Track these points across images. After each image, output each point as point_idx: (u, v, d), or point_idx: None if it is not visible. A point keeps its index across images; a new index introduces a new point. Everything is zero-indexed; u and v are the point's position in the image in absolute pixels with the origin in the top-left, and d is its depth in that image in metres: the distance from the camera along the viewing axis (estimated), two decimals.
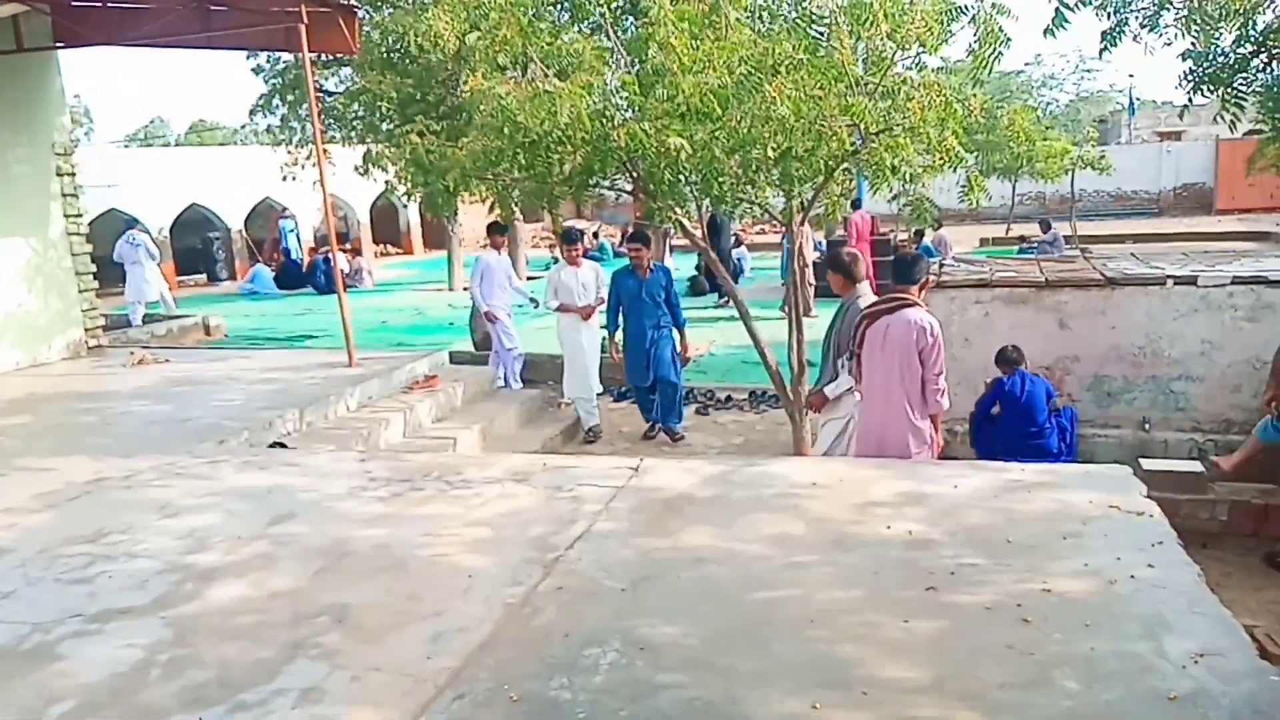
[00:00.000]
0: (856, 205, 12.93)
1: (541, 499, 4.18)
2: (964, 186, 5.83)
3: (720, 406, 8.59)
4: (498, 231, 9.13)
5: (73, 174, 8.74)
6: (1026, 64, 29.16)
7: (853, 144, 5.36)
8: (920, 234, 14.56)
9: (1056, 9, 6.68)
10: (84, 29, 8.13)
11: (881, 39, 5.14)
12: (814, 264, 13.51)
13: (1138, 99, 31.67)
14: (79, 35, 8.21)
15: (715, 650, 2.78)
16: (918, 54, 5.64)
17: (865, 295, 5.31)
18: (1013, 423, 6.07)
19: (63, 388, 7.43)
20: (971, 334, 6.91)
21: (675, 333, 7.71)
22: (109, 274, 13.06)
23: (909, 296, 4.95)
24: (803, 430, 6.18)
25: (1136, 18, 7.00)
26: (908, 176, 5.49)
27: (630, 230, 10.18)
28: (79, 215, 8.85)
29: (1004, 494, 3.90)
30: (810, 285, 13.31)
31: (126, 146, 33.04)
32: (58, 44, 8.25)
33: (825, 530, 3.63)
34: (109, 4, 7.98)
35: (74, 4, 7.98)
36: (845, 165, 5.74)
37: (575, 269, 7.97)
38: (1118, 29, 7.09)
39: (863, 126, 5.28)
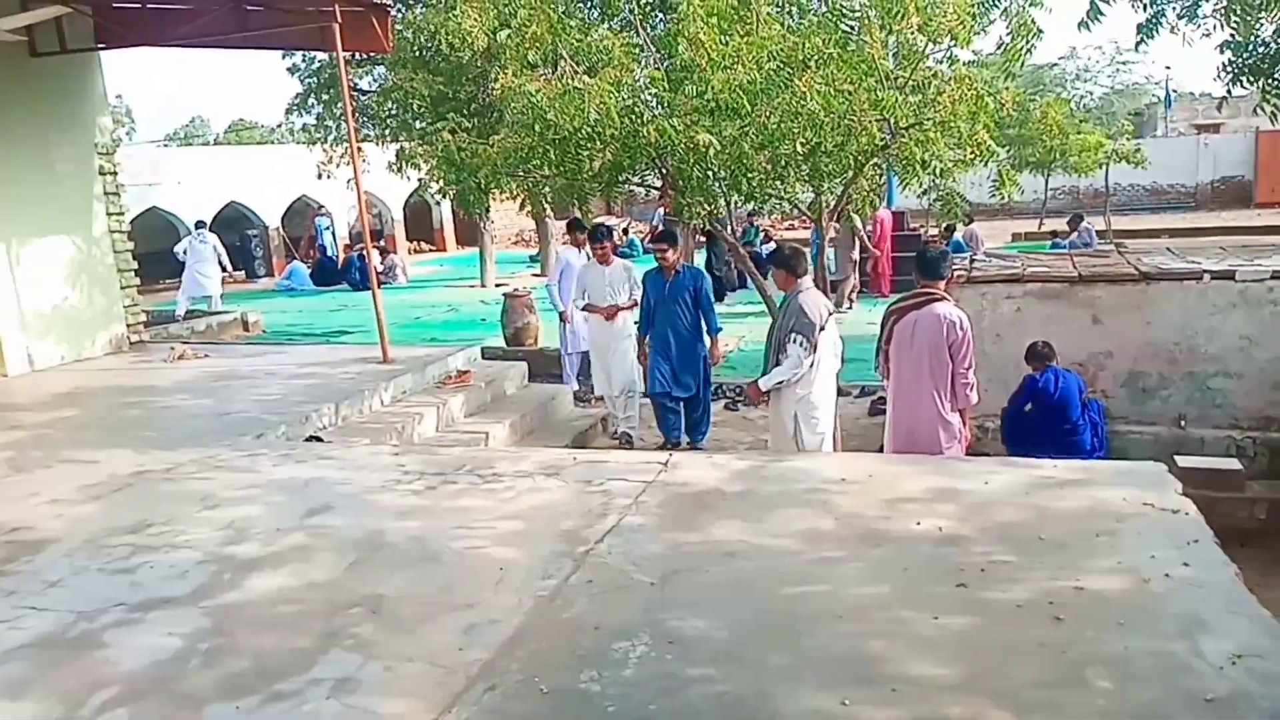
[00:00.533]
0: (888, 202, 12.80)
1: (572, 493, 4.19)
2: (995, 181, 5.77)
3: (749, 402, 8.54)
4: (578, 229, 8.45)
5: (115, 173, 8.89)
6: (1060, 57, 28.71)
7: (882, 139, 5.32)
8: (951, 229, 14.39)
9: (1091, 2, 6.57)
10: (125, 30, 8.26)
11: (912, 32, 5.09)
12: (859, 260, 13.38)
13: (1174, 91, 31.08)
14: (120, 36, 8.34)
15: (744, 645, 2.78)
16: (949, 47, 5.59)
17: (808, 290, 5.37)
18: (1045, 419, 5.98)
19: (106, 382, 7.57)
20: (1004, 330, 6.82)
21: (707, 338, 7.21)
22: (150, 271, 13.30)
23: (936, 291, 4.94)
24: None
25: (1174, 9, 6.88)
26: (938, 171, 5.44)
27: (658, 228, 9.98)
28: (121, 213, 9.00)
29: (1036, 490, 3.85)
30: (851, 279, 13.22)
31: (166, 145, 33.56)
32: (99, 45, 8.39)
33: (855, 526, 3.60)
34: (149, 5, 8.10)
35: (115, 5, 8.11)
36: (875, 160, 5.69)
37: (604, 267, 7.64)
38: (1154, 21, 6.97)
39: (893, 121, 5.24)
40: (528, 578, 3.31)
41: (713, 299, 7.24)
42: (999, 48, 5.38)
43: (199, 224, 16.43)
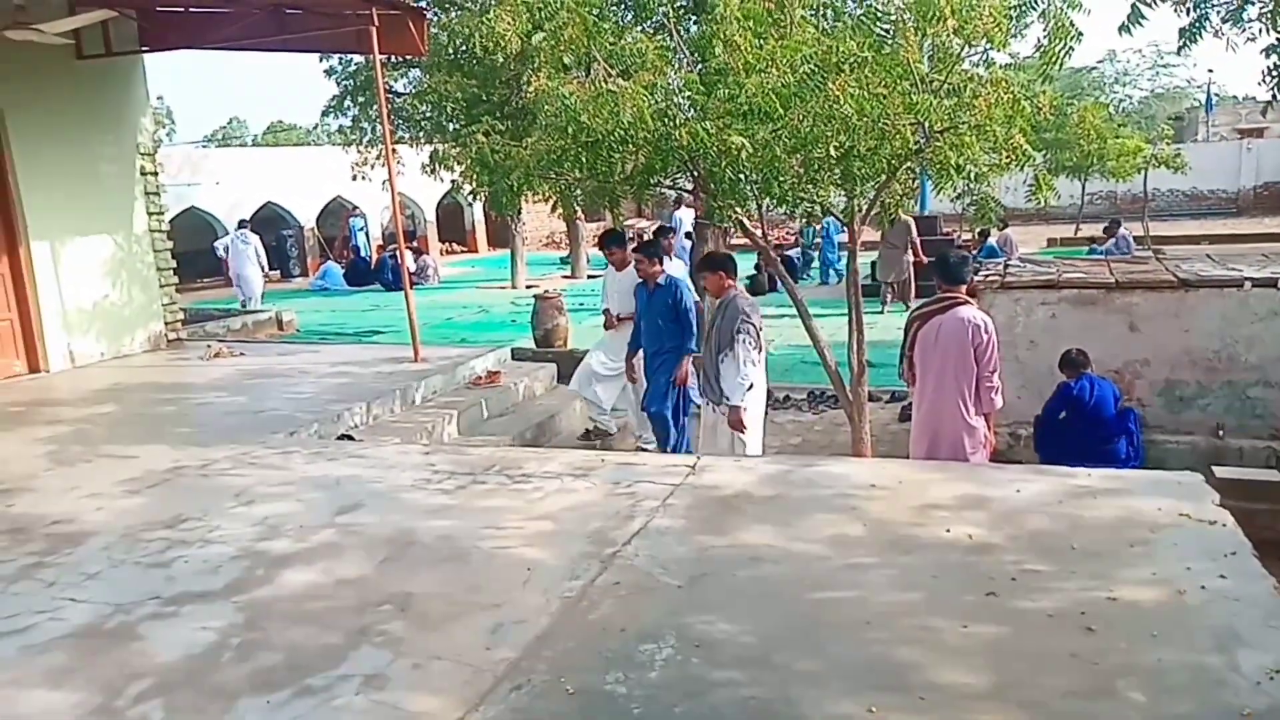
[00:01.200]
0: (921, 206, 12.72)
1: (600, 494, 4.20)
2: (1031, 185, 5.69)
3: (778, 406, 8.52)
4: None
5: (155, 173, 9.05)
6: (1099, 60, 28.28)
7: (916, 142, 5.27)
8: (985, 234, 14.24)
9: (1133, 5, 6.47)
10: (167, 33, 8.42)
11: (948, 35, 5.04)
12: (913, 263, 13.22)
13: (1217, 95, 30.49)
14: (163, 39, 8.51)
15: (771, 649, 2.77)
16: (985, 50, 5.53)
17: (741, 293, 5.50)
18: (1080, 428, 5.90)
19: (144, 379, 7.71)
20: (1038, 336, 6.74)
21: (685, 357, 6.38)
22: (188, 270, 13.54)
23: (959, 295, 4.97)
24: (862, 431, 6.10)
25: (1218, 12, 6.75)
26: (973, 175, 5.38)
27: (664, 228, 9.40)
28: (161, 213, 9.17)
29: (1069, 499, 3.80)
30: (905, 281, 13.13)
31: (205, 146, 34.12)
32: (143, 48, 8.55)
33: (884, 532, 3.58)
34: (191, 9, 8.25)
35: (159, 9, 8.26)
36: (909, 164, 5.65)
37: (619, 274, 7.34)
38: (1198, 25, 6.84)
39: (927, 124, 5.19)
40: (555, 578, 3.33)
41: (692, 313, 6.41)
42: (1037, 50, 5.32)
43: (241, 223, 16.74)
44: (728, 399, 5.38)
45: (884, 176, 5.69)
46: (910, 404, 7.07)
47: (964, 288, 5.04)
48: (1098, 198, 25.19)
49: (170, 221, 9.67)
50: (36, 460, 5.21)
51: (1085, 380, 5.93)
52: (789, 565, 3.34)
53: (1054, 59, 5.07)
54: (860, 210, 6.23)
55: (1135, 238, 15.98)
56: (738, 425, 5.39)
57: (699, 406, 6.28)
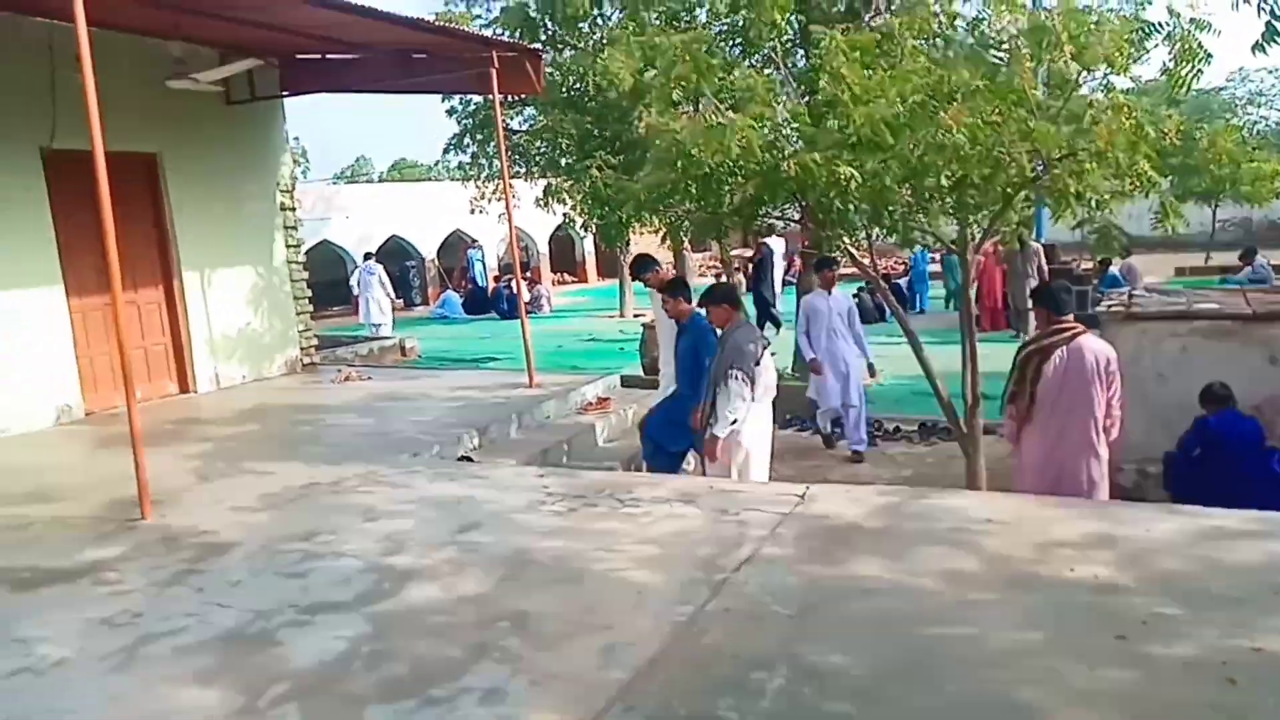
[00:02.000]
0: (1037, 234, 12.33)
1: (708, 521, 4.20)
2: (1157, 213, 5.43)
3: (889, 437, 8.34)
4: (826, 266, 7.81)
5: (293, 208, 9.63)
6: (1229, 79, 26.78)
7: (1033, 170, 5.12)
8: (1106, 263, 13.62)
9: (1268, 23, 6.13)
10: (305, 78, 9.00)
11: (1065, 61, 4.89)
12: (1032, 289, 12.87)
13: None
14: (301, 84, 9.09)
15: (884, 683, 2.70)
16: (1105, 75, 5.34)
17: (743, 325, 5.38)
18: (1217, 466, 5.53)
19: (282, 400, 8.15)
20: (1166, 370, 6.38)
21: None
22: (321, 299, 14.27)
23: (1075, 325, 4.81)
24: (977, 464, 5.90)
25: None
26: (1093, 203, 5.18)
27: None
28: (298, 245, 9.72)
29: (1204, 541, 3.58)
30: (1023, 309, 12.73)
31: (335, 183, 35.96)
32: (283, 92, 9.15)
33: (1002, 568, 3.45)
34: (327, 56, 8.78)
35: (298, 56, 8.83)
36: (1025, 192, 5.49)
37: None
38: None
39: (1044, 152, 5.03)
40: (666, 602, 3.34)
41: (706, 352, 5.58)
42: (1162, 74, 5.10)
43: (366, 255, 17.57)
44: (711, 427, 5.21)
45: (999, 205, 5.54)
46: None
47: (1071, 316, 4.89)
48: (1230, 224, 23.70)
49: (305, 253, 10.22)
50: (186, 475, 5.57)
51: (1226, 415, 5.56)
52: (902, 599, 3.26)
53: (1181, 83, 4.85)
54: (974, 240, 6.07)
55: (1275, 266, 14.96)
56: (710, 454, 5.25)
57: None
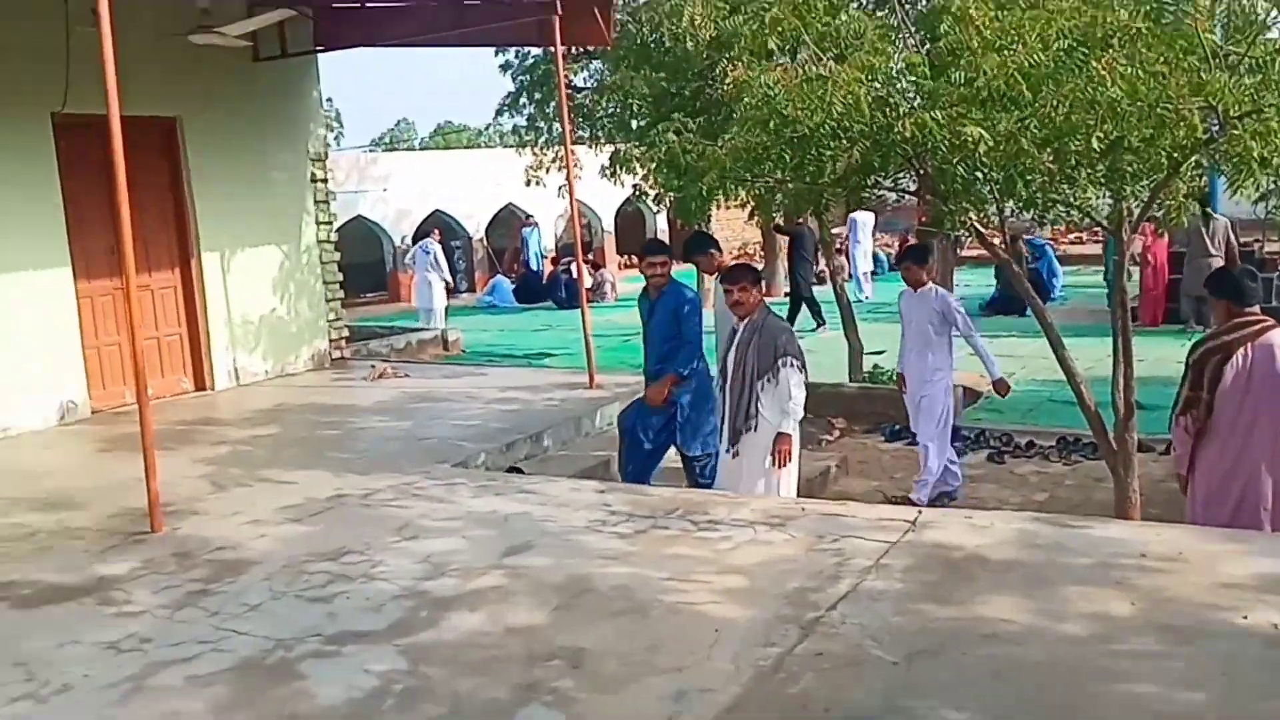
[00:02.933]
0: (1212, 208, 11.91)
1: (800, 548, 4.19)
2: None
3: (1019, 454, 8.15)
4: (911, 258, 7.31)
5: (325, 180, 9.88)
6: None
7: (1207, 130, 4.96)
8: None
9: None
10: (344, 31, 9.24)
11: None
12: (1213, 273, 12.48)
13: None
14: (338, 37, 9.34)
15: None
16: None
17: (773, 313, 5.53)
18: None
19: (307, 399, 8.40)
20: None
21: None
22: (353, 284, 14.64)
23: (1265, 319, 4.65)
24: (1130, 487, 5.74)
25: None
26: None
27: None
28: (330, 222, 9.98)
29: None
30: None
31: (372, 150, 36.79)
32: (318, 48, 9.41)
33: (1159, 613, 3.37)
34: (368, 4, 8.99)
35: (335, 5, 9.06)
36: (1195, 157, 5.32)
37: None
38: None
39: (1220, 109, 4.87)
40: (746, 643, 3.34)
41: (701, 325, 6.18)
42: None
43: (425, 231, 18.10)
44: (775, 425, 5.35)
45: (1163, 173, 5.38)
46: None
47: (1258, 307, 4.73)
48: None
49: (336, 231, 10.46)
50: (200, 482, 5.78)
51: None
52: (1034, 647, 3.21)
53: None
54: (1130, 215, 5.91)
55: None
56: (784, 457, 5.35)
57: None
